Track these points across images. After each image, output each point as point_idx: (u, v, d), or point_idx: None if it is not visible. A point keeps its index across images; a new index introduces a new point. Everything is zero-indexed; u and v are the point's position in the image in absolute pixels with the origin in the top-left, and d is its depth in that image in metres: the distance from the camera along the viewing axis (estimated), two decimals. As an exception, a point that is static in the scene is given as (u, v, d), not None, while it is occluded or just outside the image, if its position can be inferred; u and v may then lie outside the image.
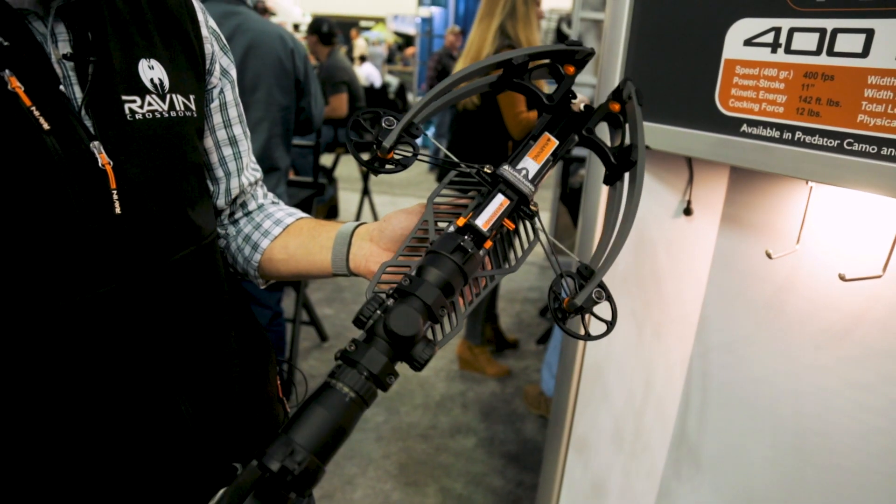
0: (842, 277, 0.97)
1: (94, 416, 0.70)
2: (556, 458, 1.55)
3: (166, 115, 0.75)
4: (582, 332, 0.66)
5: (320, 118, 2.35)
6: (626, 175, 0.76)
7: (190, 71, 0.81)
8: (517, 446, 2.71)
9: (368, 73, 9.62)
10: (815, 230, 1.09)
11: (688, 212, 1.24)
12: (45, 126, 0.62)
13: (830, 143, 0.92)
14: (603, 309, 0.66)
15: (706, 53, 1.05)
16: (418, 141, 0.71)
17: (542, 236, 0.71)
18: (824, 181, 0.92)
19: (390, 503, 2.36)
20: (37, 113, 0.62)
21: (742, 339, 1.24)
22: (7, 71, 0.61)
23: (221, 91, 0.89)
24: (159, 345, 0.74)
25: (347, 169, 6.75)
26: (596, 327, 0.68)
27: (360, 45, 12.48)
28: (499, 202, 0.69)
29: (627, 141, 0.77)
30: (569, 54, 0.77)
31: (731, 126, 1.04)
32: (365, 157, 0.68)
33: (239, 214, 0.97)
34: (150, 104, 0.73)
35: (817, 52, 0.93)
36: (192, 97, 0.80)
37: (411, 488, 2.44)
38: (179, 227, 0.77)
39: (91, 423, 0.70)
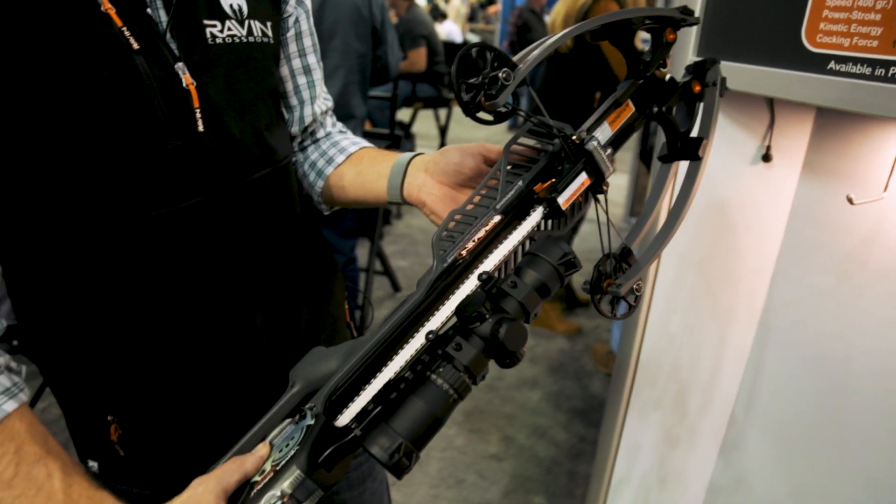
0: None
1: (178, 321, 0.76)
2: (617, 413, 1.54)
3: (244, 39, 0.78)
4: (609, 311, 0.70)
5: (397, 67, 2.36)
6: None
7: None
8: (583, 402, 2.71)
9: (449, 31, 9.53)
10: (906, 178, 1.01)
11: (766, 158, 1.18)
12: (135, 46, 0.67)
13: (927, 78, 0.85)
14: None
15: (794, -15, 0.98)
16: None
17: (602, 213, 0.71)
18: (917, 120, 0.86)
19: (453, 447, 2.42)
20: (127, 33, 0.66)
21: (818, 293, 1.18)
22: None
23: (297, 20, 0.91)
24: (236, 258, 0.78)
25: (425, 125, 6.76)
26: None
27: (454, 4, 12.33)
28: (581, 181, 0.69)
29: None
30: (676, 21, 0.74)
31: (817, 63, 0.97)
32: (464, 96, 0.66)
33: (308, 142, 1.00)
34: (229, 29, 0.77)
35: (920, -23, 0.85)
36: (268, 24, 0.83)
37: (475, 435, 2.49)
38: (257, 147, 0.80)
39: (175, 326, 0.76)
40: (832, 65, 0.95)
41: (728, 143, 1.19)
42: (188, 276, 0.75)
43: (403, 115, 5.58)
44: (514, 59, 0.65)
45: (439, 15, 11.31)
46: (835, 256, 1.14)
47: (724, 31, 1.12)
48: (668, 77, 0.77)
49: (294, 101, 0.95)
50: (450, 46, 8.44)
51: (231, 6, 0.78)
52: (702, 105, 0.79)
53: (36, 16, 0.62)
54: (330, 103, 1.02)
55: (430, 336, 0.60)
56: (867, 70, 0.91)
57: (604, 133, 0.72)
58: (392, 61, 2.30)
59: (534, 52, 0.66)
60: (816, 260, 1.17)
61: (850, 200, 0.94)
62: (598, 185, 0.70)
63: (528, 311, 0.61)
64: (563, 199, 0.67)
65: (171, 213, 0.71)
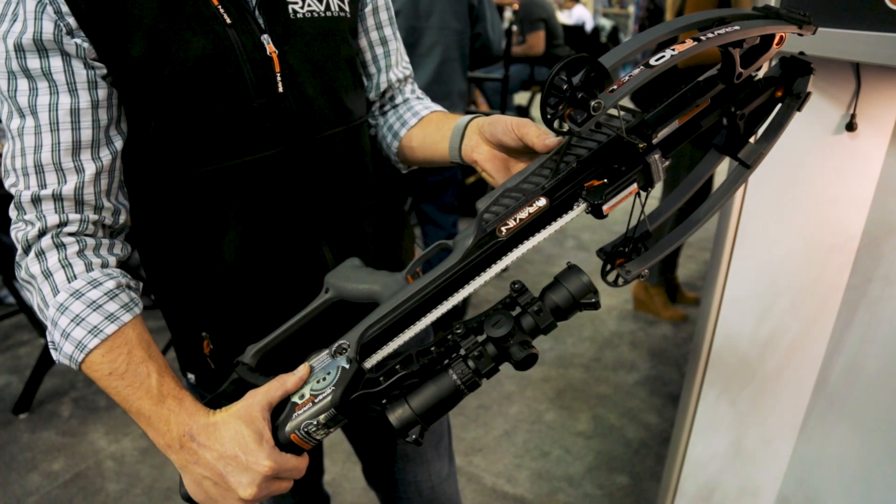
0: None
1: (260, 251, 0.90)
2: (691, 392, 1.52)
3: (322, 14, 0.90)
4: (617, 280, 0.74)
5: (499, 44, 2.41)
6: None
7: None
8: (680, 388, 2.64)
9: (580, 16, 9.34)
10: None
11: (850, 127, 1.12)
12: (228, 20, 0.81)
13: None
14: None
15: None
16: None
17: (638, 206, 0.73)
18: None
19: (542, 421, 2.46)
20: (222, 10, 0.81)
21: (906, 271, 1.11)
22: None
23: None
24: (309, 200, 0.91)
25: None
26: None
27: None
28: (630, 190, 0.70)
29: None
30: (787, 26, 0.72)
31: (897, 22, 0.92)
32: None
33: (388, 107, 1.09)
34: (309, 5, 0.89)
35: None
36: (346, 0, 0.93)
37: (565, 412, 2.52)
38: (331, 108, 0.92)
39: (257, 255, 0.91)
40: (913, 23, 0.91)
41: (810, 111, 1.14)
42: (269, 214, 0.89)
43: (522, 98, 5.61)
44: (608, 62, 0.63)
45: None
46: (923, 231, 1.07)
47: (803, -7, 1.08)
48: (757, 77, 0.74)
49: (372, 69, 1.04)
50: (578, 32, 8.28)
51: None
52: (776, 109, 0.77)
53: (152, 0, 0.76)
54: (408, 72, 1.10)
55: (459, 330, 0.69)
56: (950, 27, 0.86)
57: (670, 129, 0.72)
58: (494, 38, 2.35)
59: (633, 75, 0.63)
60: (904, 235, 1.10)
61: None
62: (644, 189, 0.71)
63: (542, 331, 0.67)
64: (608, 206, 0.69)
65: (255, 160, 0.86)
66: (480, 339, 0.67)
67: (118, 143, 0.82)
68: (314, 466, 1.23)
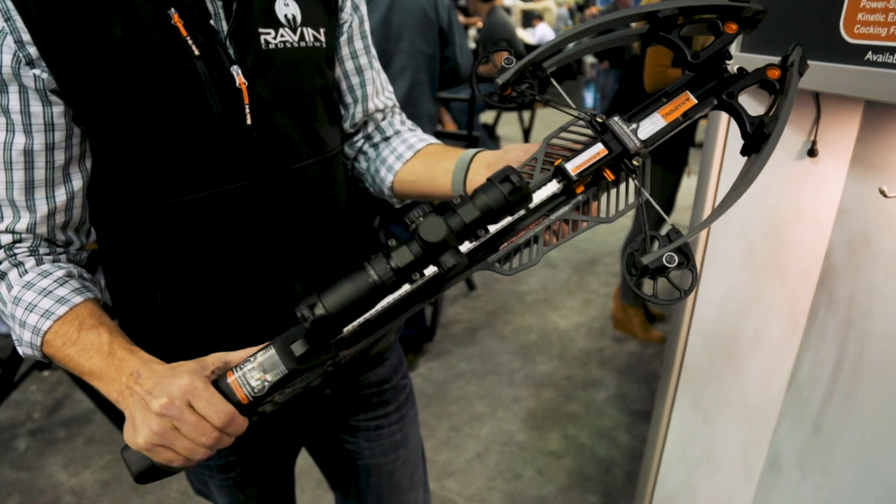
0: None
1: (226, 284, 0.88)
2: (662, 411, 1.54)
3: (296, 45, 0.89)
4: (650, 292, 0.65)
5: (468, 67, 2.43)
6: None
7: (322, 8, 0.93)
8: (649, 406, 2.67)
9: (543, 34, 9.51)
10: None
11: (812, 153, 1.16)
12: (196, 52, 0.80)
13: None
14: (686, 277, 0.65)
15: (833, -24, 0.97)
16: (588, 97, 0.75)
17: (634, 186, 0.71)
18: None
19: (514, 442, 2.45)
20: (190, 41, 0.79)
21: (869, 291, 1.14)
22: (172, 9, 0.78)
23: (350, 25, 1.00)
24: (279, 233, 0.89)
25: (510, 128, 6.80)
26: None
27: (545, 4, 12.28)
28: (595, 151, 0.70)
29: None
30: (732, 10, 0.72)
31: (855, 54, 0.96)
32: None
33: (378, 139, 1.07)
34: (282, 36, 0.87)
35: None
36: (322, 30, 0.92)
37: (536, 432, 2.52)
38: (303, 139, 0.91)
39: (223, 288, 0.88)
40: (870, 55, 0.94)
41: (773, 137, 1.17)
42: (238, 247, 0.87)
43: (488, 117, 5.66)
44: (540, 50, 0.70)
45: (535, 17, 11.29)
46: (884, 253, 1.11)
47: (766, 26, 1.11)
48: (736, 68, 0.74)
49: (348, 98, 1.03)
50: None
51: (286, 16, 0.88)
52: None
53: (119, 29, 0.75)
54: (391, 102, 1.08)
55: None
56: (904, 60, 0.90)
57: (654, 123, 0.72)
58: (462, 62, 2.37)
59: (544, 45, 0.72)
60: (866, 256, 1.14)
61: (883, 193, 0.93)
62: (624, 158, 0.70)
63: (466, 223, 0.63)
64: (573, 166, 0.69)
65: (223, 192, 0.84)
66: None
67: (77, 183, 0.82)
68: (284, 496, 1.20)
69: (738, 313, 1.35)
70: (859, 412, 1.19)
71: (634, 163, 0.70)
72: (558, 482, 2.25)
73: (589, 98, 9.40)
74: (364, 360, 0.89)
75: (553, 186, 0.72)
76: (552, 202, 0.73)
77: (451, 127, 4.19)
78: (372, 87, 1.04)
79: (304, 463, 1.23)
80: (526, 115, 5.51)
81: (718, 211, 0.69)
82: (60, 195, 0.81)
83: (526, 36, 8.88)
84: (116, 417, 2.43)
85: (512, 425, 2.56)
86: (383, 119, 1.06)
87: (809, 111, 1.14)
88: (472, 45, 4.74)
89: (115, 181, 0.82)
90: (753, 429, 1.40)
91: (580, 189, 0.72)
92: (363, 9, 1.02)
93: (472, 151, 0.92)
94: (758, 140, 0.70)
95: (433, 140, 1.06)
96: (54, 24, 0.72)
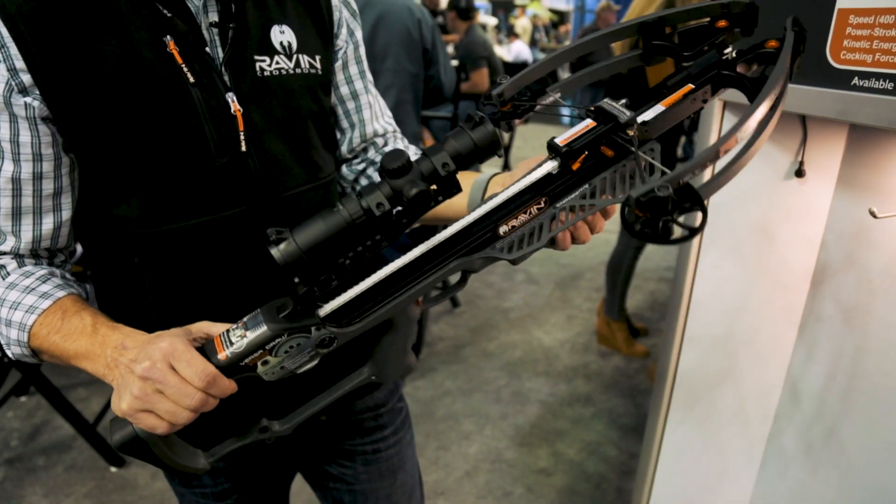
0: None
1: (220, 313, 0.85)
2: (656, 423, 1.55)
3: (291, 71, 0.89)
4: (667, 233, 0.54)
5: (451, 86, 2.45)
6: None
7: (317, 35, 0.94)
8: (636, 420, 2.68)
9: (519, 51, 9.62)
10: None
11: (800, 173, 1.19)
12: (191, 79, 0.79)
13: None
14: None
15: (819, 4, 1.01)
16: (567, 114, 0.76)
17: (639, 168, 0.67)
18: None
19: (503, 460, 2.45)
20: (185, 69, 0.79)
21: (856, 308, 1.17)
22: (168, 37, 0.78)
23: (345, 52, 1.00)
24: (274, 259, 0.87)
25: (491, 145, 6.83)
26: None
27: (522, 23, 12.46)
28: (585, 124, 0.69)
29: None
30: (720, 9, 0.71)
31: (841, 79, 0.99)
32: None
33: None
34: (277, 63, 0.87)
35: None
36: (317, 57, 0.93)
37: (525, 449, 2.51)
38: (299, 165, 0.91)
39: (216, 312, 0.85)
40: (856, 80, 0.97)
41: (762, 159, 1.20)
42: (230, 272, 0.87)
43: (467, 134, 5.67)
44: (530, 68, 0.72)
45: (512, 33, 11.42)
46: (870, 271, 1.13)
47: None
48: (734, 53, 0.73)
49: (344, 123, 1.03)
50: (519, 67, 8.50)
51: (281, 43, 0.88)
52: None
53: (114, 55, 0.75)
54: (392, 127, 1.08)
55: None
56: (889, 85, 0.93)
57: (654, 110, 0.69)
58: (445, 81, 2.39)
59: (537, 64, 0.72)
60: (853, 274, 1.16)
61: (872, 214, 0.95)
62: (617, 129, 0.68)
63: (438, 172, 0.64)
64: (561, 139, 0.69)
65: (215, 219, 0.84)
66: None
67: (66, 213, 0.82)
68: None
69: (731, 330, 1.37)
70: (852, 428, 1.21)
71: (629, 132, 0.67)
72: (549, 500, 2.25)
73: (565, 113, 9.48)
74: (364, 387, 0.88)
75: (549, 165, 0.70)
76: (551, 183, 0.71)
77: (431, 143, 4.21)
78: (369, 112, 1.04)
79: (296, 484, 1.22)
80: (505, 132, 5.56)
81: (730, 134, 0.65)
82: (48, 223, 0.81)
83: (502, 52, 8.98)
84: (98, 443, 2.38)
85: (500, 443, 2.55)
86: (385, 144, 1.06)
87: (797, 133, 1.17)
88: (453, 62, 4.77)
89: (108, 207, 0.81)
90: (748, 452, 1.42)
91: (575, 166, 0.70)
92: (358, 34, 1.03)
93: (488, 173, 0.93)
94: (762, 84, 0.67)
95: None
96: (50, 51, 0.72)
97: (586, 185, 0.71)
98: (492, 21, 11.84)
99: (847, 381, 1.20)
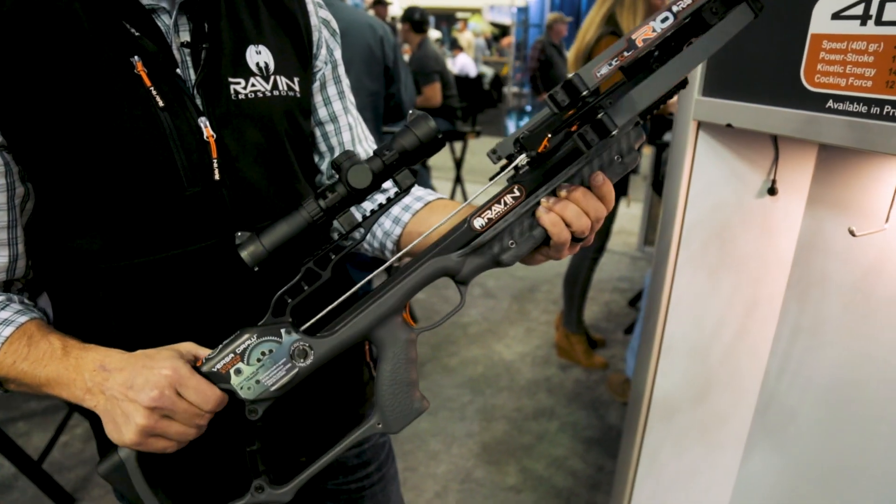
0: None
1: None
2: (633, 438, 1.56)
3: (268, 94, 0.84)
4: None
5: (410, 104, 2.44)
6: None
7: (296, 56, 0.89)
8: (600, 432, 2.71)
9: (463, 65, 9.70)
10: (907, 210, 1.05)
11: (772, 191, 1.22)
12: (161, 103, 0.74)
13: (920, 116, 0.89)
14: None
15: (792, 29, 1.04)
16: (510, 124, 0.75)
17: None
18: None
19: (472, 479, 2.43)
20: (154, 92, 0.73)
21: (827, 322, 1.21)
22: (135, 57, 0.72)
23: (323, 73, 0.95)
24: (250, 293, 0.82)
25: (441, 158, 6.85)
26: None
27: (466, 37, 12.57)
28: (544, 114, 0.69)
29: None
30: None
31: (816, 102, 1.02)
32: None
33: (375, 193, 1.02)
34: (253, 85, 0.82)
35: (910, 23, 0.90)
36: (296, 79, 0.88)
37: (493, 467, 2.50)
38: (277, 193, 0.85)
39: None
40: (830, 103, 1.00)
41: (736, 177, 1.23)
42: (202, 307, 0.81)
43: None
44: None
45: (456, 46, 11.53)
46: (841, 286, 1.17)
47: (728, 71, 1.17)
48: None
49: (323, 147, 0.98)
50: (463, 80, 8.55)
51: (258, 64, 0.83)
52: None
53: (77, 77, 0.69)
54: (372, 150, 1.03)
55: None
56: (863, 108, 0.96)
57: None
58: (406, 98, 2.38)
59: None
60: (824, 289, 1.20)
61: (851, 233, 0.98)
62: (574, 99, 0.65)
63: (389, 169, 0.69)
64: (527, 128, 0.70)
65: (187, 253, 0.78)
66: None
67: (21, 246, 0.78)
68: None
69: (706, 345, 1.39)
70: (827, 441, 1.24)
71: (583, 94, 0.63)
72: (520, 517, 2.24)
73: (511, 125, 9.65)
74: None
75: (518, 160, 0.71)
76: (522, 172, 0.73)
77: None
78: (349, 135, 1.00)
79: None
80: (457, 145, 5.56)
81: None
82: (2, 258, 0.76)
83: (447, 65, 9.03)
84: (43, 481, 2.24)
85: (468, 462, 2.53)
86: None
87: (769, 152, 1.21)
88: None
89: (68, 240, 0.76)
90: (725, 465, 1.44)
91: (541, 148, 0.70)
92: (338, 54, 0.99)
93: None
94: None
95: (438, 194, 1.00)
96: (3, 73, 0.67)
97: (569, 168, 0.71)
98: (435, 34, 11.93)
99: (821, 395, 1.23)
